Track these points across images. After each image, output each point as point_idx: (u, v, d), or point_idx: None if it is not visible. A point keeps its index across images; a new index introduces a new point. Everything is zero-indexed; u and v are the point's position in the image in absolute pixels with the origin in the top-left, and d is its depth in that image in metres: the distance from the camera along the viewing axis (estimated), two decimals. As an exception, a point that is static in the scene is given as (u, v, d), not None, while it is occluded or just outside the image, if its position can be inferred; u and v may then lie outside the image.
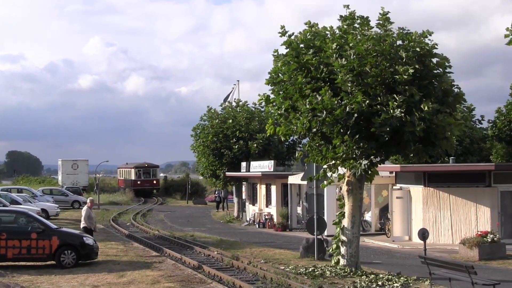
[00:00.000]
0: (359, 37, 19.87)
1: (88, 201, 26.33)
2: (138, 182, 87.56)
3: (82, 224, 25.40)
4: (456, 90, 20.29)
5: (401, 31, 19.99)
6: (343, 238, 22.04)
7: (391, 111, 18.55)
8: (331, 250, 22.99)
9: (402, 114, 18.54)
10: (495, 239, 25.66)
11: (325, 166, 22.35)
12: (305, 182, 26.84)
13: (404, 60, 19.16)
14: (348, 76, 19.23)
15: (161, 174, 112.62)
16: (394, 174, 33.78)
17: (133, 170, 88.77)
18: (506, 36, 17.18)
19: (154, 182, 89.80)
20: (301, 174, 30.41)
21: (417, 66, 19.07)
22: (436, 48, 19.74)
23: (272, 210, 43.13)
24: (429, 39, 19.75)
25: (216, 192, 65.87)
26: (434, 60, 19.92)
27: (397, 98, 18.63)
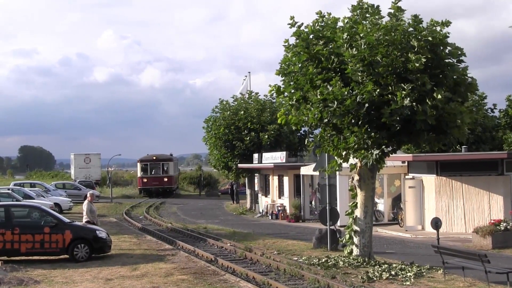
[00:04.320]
0: (369, 26, 19.70)
1: (88, 195, 25.63)
2: (144, 180, 70.93)
3: (85, 219, 24.85)
4: (468, 79, 20.11)
5: (414, 18, 19.74)
6: (356, 228, 22.00)
7: (401, 100, 18.42)
8: (344, 240, 22.96)
9: (414, 104, 18.42)
10: (508, 227, 25.56)
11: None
12: (317, 173, 26.80)
13: (415, 49, 19.00)
14: (358, 65, 19.09)
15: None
16: (406, 163, 33.66)
17: (138, 164, 72.82)
18: None
19: (165, 179, 71.00)
20: (314, 165, 30.36)
21: (429, 56, 18.90)
22: (448, 37, 19.53)
23: (285, 201, 43.11)
24: (445, 27, 19.49)
25: (229, 184, 65.74)
26: (447, 49, 19.73)
27: (405, 88, 18.47)
